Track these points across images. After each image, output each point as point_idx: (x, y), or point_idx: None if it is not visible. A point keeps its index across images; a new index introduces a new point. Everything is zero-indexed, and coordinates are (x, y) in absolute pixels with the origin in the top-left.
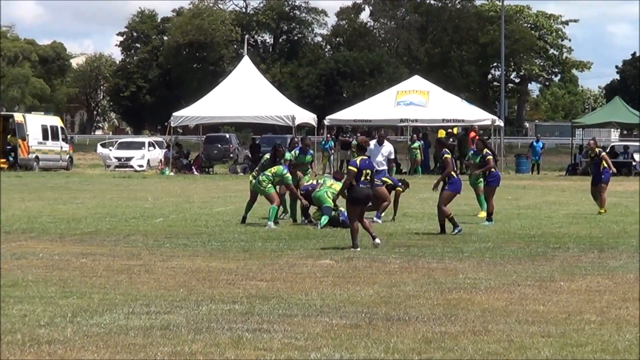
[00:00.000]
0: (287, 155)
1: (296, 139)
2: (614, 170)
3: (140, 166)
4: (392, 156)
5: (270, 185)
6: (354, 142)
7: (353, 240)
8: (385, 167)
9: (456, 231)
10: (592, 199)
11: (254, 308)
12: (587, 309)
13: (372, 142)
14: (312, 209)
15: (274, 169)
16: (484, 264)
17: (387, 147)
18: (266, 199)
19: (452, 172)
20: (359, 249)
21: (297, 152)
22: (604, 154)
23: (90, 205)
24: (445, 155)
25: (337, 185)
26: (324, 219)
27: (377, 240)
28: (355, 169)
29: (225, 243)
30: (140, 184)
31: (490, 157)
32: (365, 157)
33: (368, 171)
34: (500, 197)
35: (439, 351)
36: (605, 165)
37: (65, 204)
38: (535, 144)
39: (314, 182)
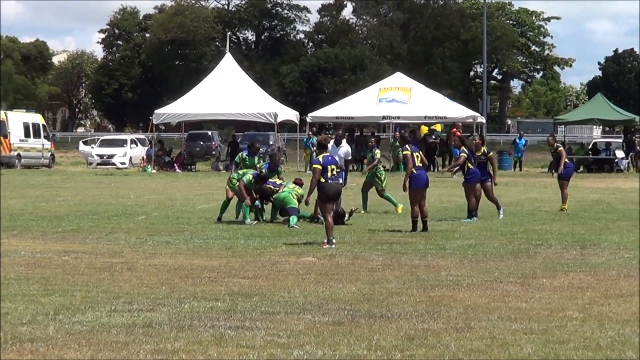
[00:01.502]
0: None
1: (257, 145)
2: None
3: (123, 164)
4: (350, 157)
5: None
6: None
7: (328, 235)
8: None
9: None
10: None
11: (236, 305)
12: (569, 306)
13: (330, 143)
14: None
15: (244, 171)
16: (467, 261)
17: (344, 148)
18: (236, 196)
19: (413, 169)
20: (334, 245)
21: (265, 169)
22: (561, 149)
23: (72, 202)
24: (404, 152)
25: (299, 189)
26: (293, 219)
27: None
28: (319, 166)
29: (208, 240)
30: (123, 181)
31: (464, 154)
32: (327, 154)
33: (333, 166)
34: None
35: (421, 348)
36: (566, 160)
37: (47, 202)
38: (517, 140)
39: (279, 182)
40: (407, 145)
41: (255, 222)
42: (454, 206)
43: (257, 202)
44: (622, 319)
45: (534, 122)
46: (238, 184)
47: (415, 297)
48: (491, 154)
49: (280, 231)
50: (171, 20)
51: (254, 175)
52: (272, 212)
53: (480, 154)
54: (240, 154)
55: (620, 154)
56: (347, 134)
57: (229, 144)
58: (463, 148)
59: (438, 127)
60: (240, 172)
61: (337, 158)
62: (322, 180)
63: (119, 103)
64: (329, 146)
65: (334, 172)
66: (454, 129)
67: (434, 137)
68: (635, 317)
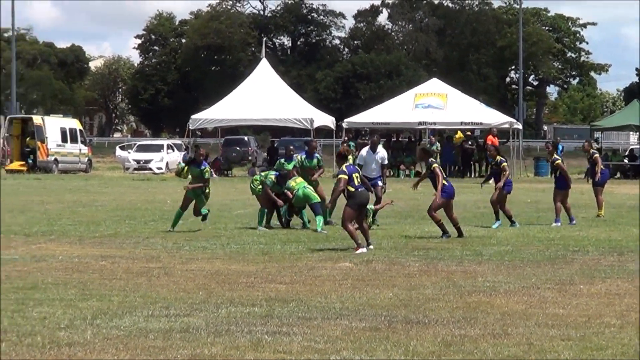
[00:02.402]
0: (290, 165)
1: (292, 148)
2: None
3: (159, 169)
4: (386, 162)
5: (260, 186)
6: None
7: (355, 240)
8: (379, 174)
9: (444, 237)
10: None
11: (273, 311)
12: (607, 312)
13: (365, 149)
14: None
15: (265, 173)
16: (504, 267)
17: (381, 153)
18: (257, 200)
19: (443, 180)
20: (366, 249)
21: (303, 156)
22: (596, 155)
23: (109, 207)
24: (434, 165)
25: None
26: (320, 220)
27: (371, 247)
28: (345, 176)
29: (245, 246)
30: (159, 186)
31: (505, 163)
32: (349, 164)
33: (357, 174)
34: (520, 200)
35: (458, 354)
36: (602, 167)
37: (85, 207)
38: None
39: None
40: (431, 159)
41: (265, 228)
42: (490, 211)
43: (283, 209)
44: None
45: (570, 128)
46: (262, 187)
47: (452, 303)
48: (504, 163)
49: (317, 237)
50: (207, 25)
51: (275, 175)
52: (285, 213)
53: (494, 163)
54: (278, 160)
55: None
56: (383, 140)
57: (268, 149)
58: (500, 158)
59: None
60: (263, 174)
61: (373, 165)
62: (352, 189)
63: (156, 108)
64: (364, 153)
65: (359, 180)
66: (490, 136)
67: (470, 143)
68: None
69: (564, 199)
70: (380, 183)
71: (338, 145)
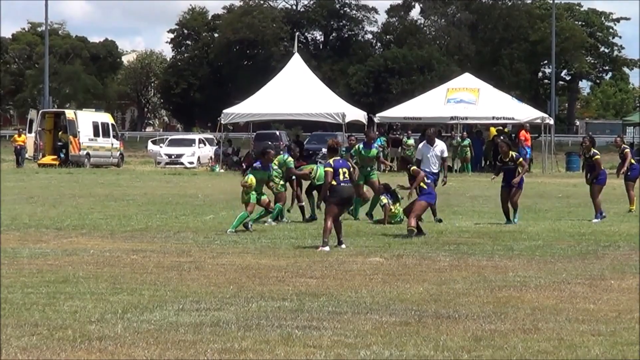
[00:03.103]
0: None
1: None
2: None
3: (191, 163)
4: (445, 154)
5: (281, 182)
6: (405, 139)
7: (323, 237)
8: (438, 170)
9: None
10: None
11: (303, 305)
12: (637, 308)
13: (422, 143)
14: None
15: (276, 159)
16: (534, 262)
17: (440, 146)
18: (274, 196)
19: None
20: (328, 248)
21: (361, 146)
22: (627, 150)
23: (140, 202)
24: (413, 168)
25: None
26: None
27: (343, 246)
28: (331, 169)
29: (275, 240)
30: (191, 180)
31: (522, 159)
32: (338, 158)
33: (344, 169)
34: (551, 195)
35: (488, 349)
36: (633, 162)
37: (116, 201)
38: None
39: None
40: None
41: (275, 222)
42: (522, 207)
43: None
44: None
45: (602, 123)
46: (291, 168)
47: (483, 298)
48: (520, 159)
49: (347, 231)
50: (239, 20)
51: (286, 154)
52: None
53: (507, 159)
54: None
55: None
56: (416, 135)
57: (293, 142)
58: (516, 154)
59: (506, 130)
60: (274, 165)
61: (433, 159)
62: (334, 183)
63: (188, 103)
64: (421, 146)
65: (346, 176)
66: (522, 130)
67: (502, 137)
68: None
69: (599, 194)
70: (438, 180)
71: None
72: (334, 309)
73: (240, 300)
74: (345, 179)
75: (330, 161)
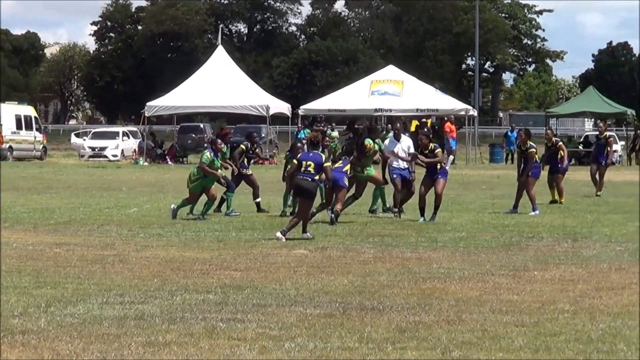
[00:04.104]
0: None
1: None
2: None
3: (115, 156)
4: (412, 150)
5: (199, 179)
6: (329, 131)
7: (286, 226)
8: (408, 165)
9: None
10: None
11: (228, 298)
12: (560, 299)
13: (388, 139)
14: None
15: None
16: (458, 253)
17: (406, 142)
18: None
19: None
20: (282, 238)
21: (289, 155)
22: (561, 143)
23: (64, 195)
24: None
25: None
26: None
27: (308, 234)
28: (295, 161)
29: (199, 233)
30: (114, 173)
31: (439, 150)
32: (309, 152)
33: (309, 162)
34: (474, 186)
35: (413, 340)
36: (563, 155)
37: (39, 194)
38: (509, 133)
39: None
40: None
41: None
42: (446, 199)
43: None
44: (613, 312)
45: (525, 115)
46: (199, 171)
47: (407, 290)
48: (437, 150)
49: (272, 223)
50: (163, 12)
51: (209, 151)
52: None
53: (427, 151)
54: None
55: (615, 146)
56: (340, 127)
57: (216, 136)
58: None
59: (429, 122)
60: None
61: (402, 153)
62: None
63: (111, 95)
64: (387, 142)
65: (309, 169)
66: (447, 122)
67: (425, 130)
68: (626, 310)
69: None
70: (409, 176)
71: (294, 132)
72: (258, 302)
73: (164, 293)
74: (305, 172)
75: (300, 153)
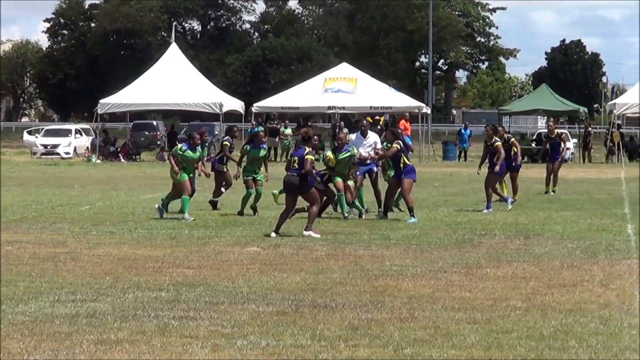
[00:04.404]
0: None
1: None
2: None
3: (67, 153)
4: (379, 146)
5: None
6: (282, 129)
7: (277, 224)
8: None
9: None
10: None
11: (180, 295)
12: (512, 296)
13: (355, 134)
14: None
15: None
16: (411, 250)
17: (373, 138)
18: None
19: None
20: (274, 235)
21: (249, 147)
22: (513, 139)
23: (16, 192)
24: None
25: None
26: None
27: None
28: (289, 158)
29: (152, 230)
30: (67, 171)
31: (397, 146)
32: (300, 146)
33: (295, 158)
34: (427, 184)
35: (365, 338)
36: (517, 151)
37: None
38: (463, 131)
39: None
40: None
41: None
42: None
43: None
44: (565, 309)
45: (479, 113)
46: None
47: (359, 287)
48: (498, 143)
49: (225, 221)
50: (117, 9)
51: (184, 145)
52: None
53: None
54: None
55: (568, 144)
56: (293, 125)
57: (168, 134)
58: (398, 141)
59: (382, 120)
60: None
61: (367, 149)
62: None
63: (64, 93)
64: (354, 137)
65: (294, 165)
66: (402, 119)
67: (378, 127)
68: (578, 307)
69: (495, 184)
70: (375, 169)
71: (247, 129)
72: (210, 299)
73: (116, 291)
74: (292, 168)
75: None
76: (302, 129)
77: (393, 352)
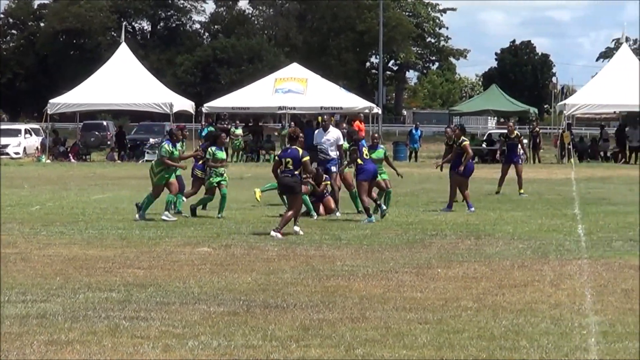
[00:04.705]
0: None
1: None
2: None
3: (17, 153)
4: (341, 142)
5: (161, 171)
6: (232, 129)
7: (280, 224)
8: (335, 156)
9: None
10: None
11: (131, 296)
12: (463, 296)
13: (318, 130)
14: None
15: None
16: (362, 251)
17: (333, 133)
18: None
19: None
20: (280, 236)
21: (214, 149)
22: (466, 142)
23: None
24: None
25: None
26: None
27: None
28: (277, 159)
29: (103, 231)
30: (17, 171)
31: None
32: (289, 147)
33: (288, 159)
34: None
35: (316, 338)
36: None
37: None
38: (413, 131)
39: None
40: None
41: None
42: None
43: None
44: (515, 309)
45: (429, 113)
46: (160, 162)
47: (311, 288)
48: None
49: (176, 222)
50: (66, 9)
51: (167, 142)
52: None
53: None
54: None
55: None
56: (242, 124)
57: (116, 134)
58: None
59: (332, 120)
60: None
61: (327, 143)
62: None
63: (13, 93)
64: (317, 133)
65: (289, 166)
66: (357, 120)
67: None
68: (529, 307)
69: (466, 185)
70: (333, 168)
71: (198, 129)
72: (161, 300)
73: (67, 291)
74: (286, 169)
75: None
76: (290, 128)
77: (344, 353)
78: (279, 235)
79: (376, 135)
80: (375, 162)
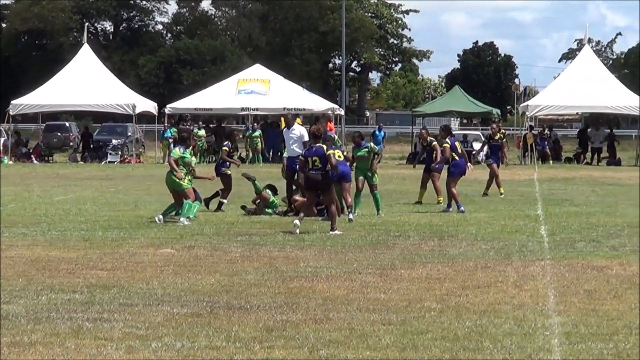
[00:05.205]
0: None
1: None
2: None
3: None
4: (305, 139)
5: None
6: (195, 130)
7: (332, 224)
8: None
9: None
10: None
11: (94, 297)
12: (427, 297)
13: (284, 129)
14: None
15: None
16: (325, 252)
17: (298, 130)
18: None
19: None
20: (338, 232)
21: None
22: (435, 143)
23: None
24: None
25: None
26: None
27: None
28: (303, 158)
29: (65, 232)
30: None
31: (436, 142)
32: (314, 145)
33: (315, 158)
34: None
35: (280, 339)
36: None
37: None
38: (377, 132)
39: None
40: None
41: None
42: None
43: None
44: (479, 310)
45: (392, 114)
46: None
47: (274, 289)
48: (434, 142)
49: (138, 223)
50: (28, 10)
51: (179, 147)
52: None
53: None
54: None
55: (477, 145)
56: (203, 125)
57: (82, 135)
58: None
59: (299, 121)
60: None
61: (292, 140)
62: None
63: None
64: (284, 131)
65: (317, 164)
66: (328, 122)
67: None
68: (492, 308)
69: (455, 184)
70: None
71: (160, 130)
72: (125, 301)
73: (29, 293)
74: (314, 167)
75: (307, 150)
76: (312, 127)
77: (308, 354)
78: (338, 232)
79: (357, 134)
80: (361, 160)
